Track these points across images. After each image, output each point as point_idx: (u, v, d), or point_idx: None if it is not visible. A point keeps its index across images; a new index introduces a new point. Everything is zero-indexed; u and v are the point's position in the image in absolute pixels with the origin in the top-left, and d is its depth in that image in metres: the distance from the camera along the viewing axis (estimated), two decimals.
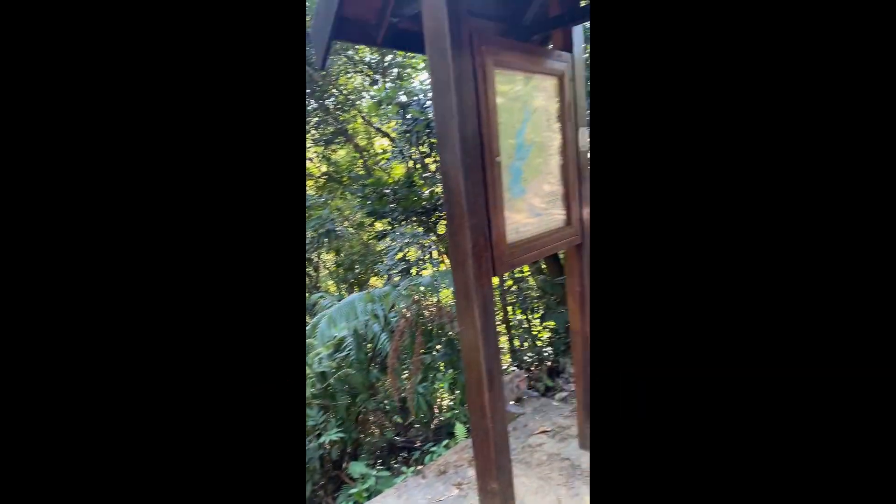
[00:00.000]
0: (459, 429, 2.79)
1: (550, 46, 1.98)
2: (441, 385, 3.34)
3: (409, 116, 3.50)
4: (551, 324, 4.04)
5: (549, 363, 3.88)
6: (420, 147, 3.87)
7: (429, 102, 3.49)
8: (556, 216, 1.89)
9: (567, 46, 1.89)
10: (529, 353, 4.04)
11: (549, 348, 4.18)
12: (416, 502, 2.11)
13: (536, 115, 1.74)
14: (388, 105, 4.15)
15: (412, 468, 2.74)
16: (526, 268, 5.18)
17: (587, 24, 1.99)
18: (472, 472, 2.11)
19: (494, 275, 1.53)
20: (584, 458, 2.22)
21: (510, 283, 4.27)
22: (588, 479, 2.09)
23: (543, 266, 4.52)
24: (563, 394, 3.12)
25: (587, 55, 2.22)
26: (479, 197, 1.45)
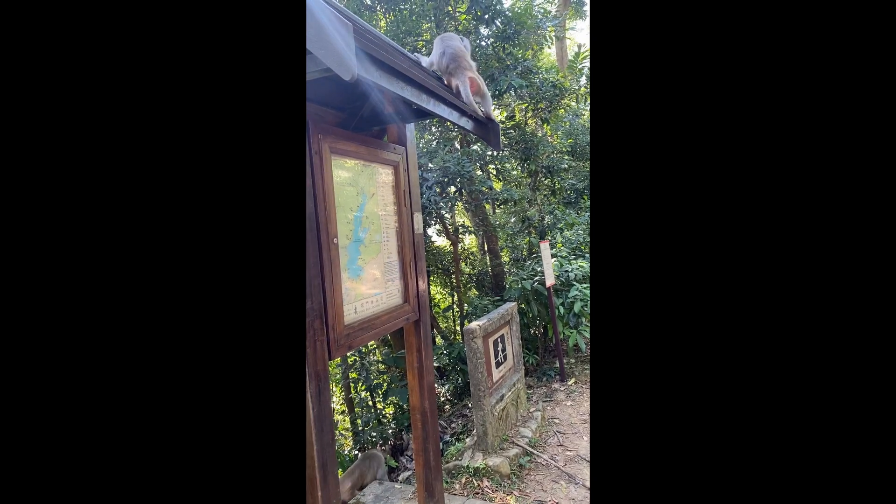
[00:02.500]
0: None
1: (386, 139, 2.16)
2: None
3: None
4: (394, 399, 3.99)
5: (391, 441, 3.77)
6: None
7: None
8: (394, 294, 1.96)
9: (401, 140, 2.09)
10: (373, 433, 3.88)
11: (392, 424, 4.08)
12: None
13: (373, 200, 1.84)
14: None
15: None
16: (371, 342, 5.11)
17: (413, 125, 2.24)
18: None
19: (331, 358, 1.48)
20: None
21: (353, 358, 4.15)
22: None
23: (389, 339, 4.53)
24: (407, 473, 3.04)
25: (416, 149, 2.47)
26: (316, 278, 1.43)
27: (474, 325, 2.93)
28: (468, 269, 7.12)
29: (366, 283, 1.76)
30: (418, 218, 2.10)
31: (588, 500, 2.48)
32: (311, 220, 1.42)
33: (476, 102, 1.88)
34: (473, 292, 6.44)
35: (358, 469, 3.01)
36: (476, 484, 2.66)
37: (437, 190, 3.91)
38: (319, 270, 1.45)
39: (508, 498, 2.53)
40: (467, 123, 1.88)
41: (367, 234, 1.78)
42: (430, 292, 6.73)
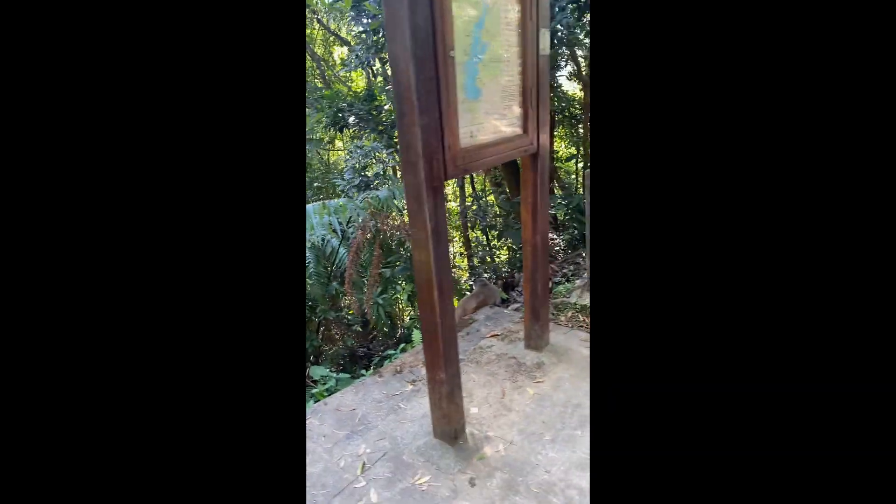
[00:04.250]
0: (416, 335, 2.94)
1: None
2: (401, 296, 3.46)
3: (365, 13, 3.21)
4: (508, 242, 4.17)
5: (503, 278, 4.06)
6: (382, 53, 3.62)
7: None
8: (513, 122, 1.87)
9: None
10: (487, 271, 4.21)
11: (506, 266, 4.35)
12: (372, 397, 2.27)
13: (494, 12, 1.65)
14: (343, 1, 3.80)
15: (371, 371, 2.91)
16: (488, 185, 5.18)
17: None
18: (424, 371, 2.27)
19: (446, 178, 1.53)
20: (528, 357, 2.42)
21: (470, 200, 4.30)
22: (530, 374, 2.30)
23: (505, 184, 4.54)
24: (516, 305, 3.31)
25: None
26: (432, 94, 1.41)
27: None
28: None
29: (484, 107, 1.69)
30: (545, 35, 1.86)
31: None
32: (425, 30, 1.33)
33: None
34: None
35: (480, 294, 3.36)
36: (581, 318, 2.80)
37: (574, 14, 3.29)
38: (435, 86, 1.41)
39: None
40: None
41: (486, 51, 1.65)
42: (552, 136, 6.34)
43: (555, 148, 6.70)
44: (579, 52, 4.73)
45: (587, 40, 3.73)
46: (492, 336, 2.71)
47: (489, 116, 1.73)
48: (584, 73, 5.21)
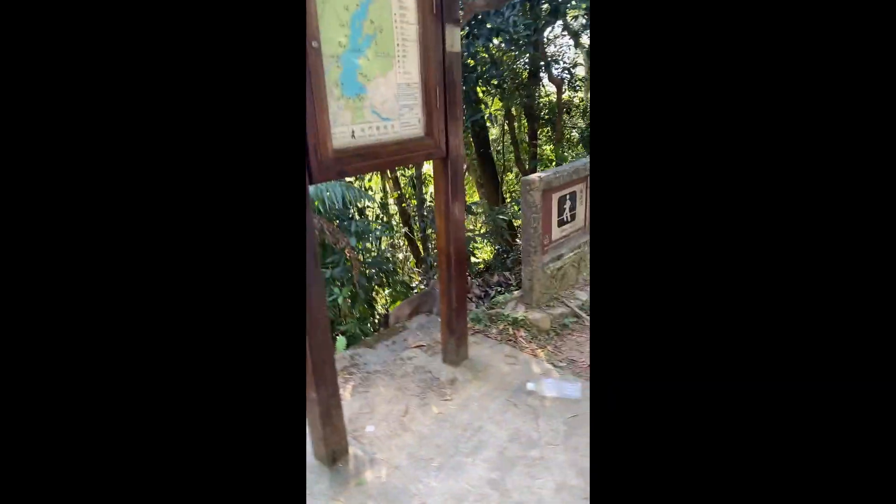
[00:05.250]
0: (340, 341, 2.81)
1: None
2: (339, 299, 3.33)
3: None
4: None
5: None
6: None
7: None
8: (411, 124, 1.74)
9: None
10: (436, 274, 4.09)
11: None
12: None
13: (381, 2, 1.50)
14: None
15: None
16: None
17: None
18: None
19: (311, 182, 1.40)
20: (444, 372, 2.29)
21: (414, 202, 4.18)
22: (440, 391, 2.17)
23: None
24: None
25: None
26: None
27: (534, 176, 2.61)
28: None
29: (370, 105, 1.56)
30: (453, 32, 1.72)
31: None
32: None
33: None
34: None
35: (416, 301, 3.23)
36: (512, 333, 2.67)
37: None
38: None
39: (539, 351, 2.52)
40: None
41: (371, 43, 1.51)
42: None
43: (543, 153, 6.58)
44: (558, 52, 4.59)
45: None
46: (416, 346, 2.59)
47: (378, 116, 1.59)
48: (556, 73, 5.07)
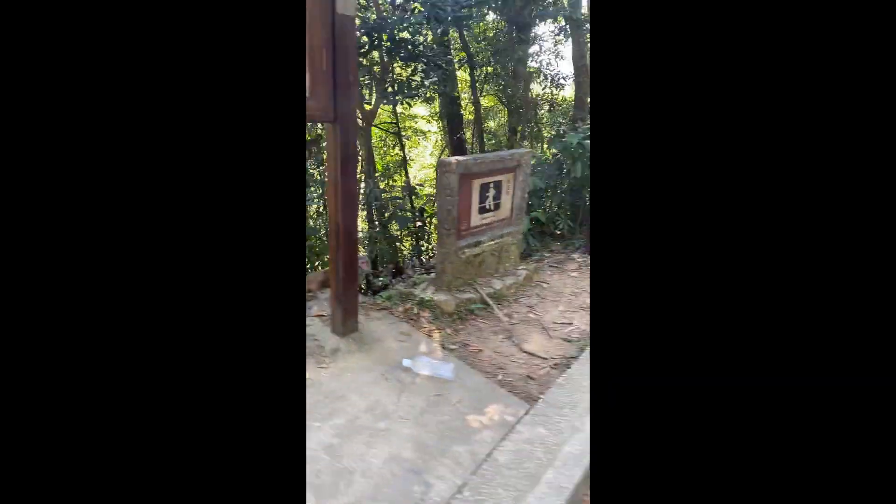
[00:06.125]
0: None
1: None
2: None
3: None
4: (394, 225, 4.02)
5: (393, 263, 3.93)
6: None
7: None
8: None
9: None
10: (374, 252, 4.07)
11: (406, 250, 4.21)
12: None
13: None
14: None
15: None
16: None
17: None
18: None
19: None
20: (331, 342, 2.30)
21: (362, 177, 4.15)
22: (318, 359, 2.17)
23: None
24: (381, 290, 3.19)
25: None
26: None
27: (451, 159, 2.60)
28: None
29: None
30: None
31: (517, 362, 2.38)
32: None
33: None
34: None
35: (324, 273, 3.22)
36: (416, 312, 2.68)
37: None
38: None
39: (436, 332, 2.53)
40: None
41: None
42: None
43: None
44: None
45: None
46: (316, 315, 2.58)
47: None
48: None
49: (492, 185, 2.88)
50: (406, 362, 2.12)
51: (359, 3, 3.44)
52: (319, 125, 3.74)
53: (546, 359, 2.38)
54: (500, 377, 2.21)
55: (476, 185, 2.77)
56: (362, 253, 3.78)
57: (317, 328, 2.44)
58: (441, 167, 2.57)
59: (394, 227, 4.12)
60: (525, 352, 2.45)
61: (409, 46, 3.37)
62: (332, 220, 2.08)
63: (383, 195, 4.38)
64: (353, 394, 1.95)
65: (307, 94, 1.75)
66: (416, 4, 3.34)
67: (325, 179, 2.10)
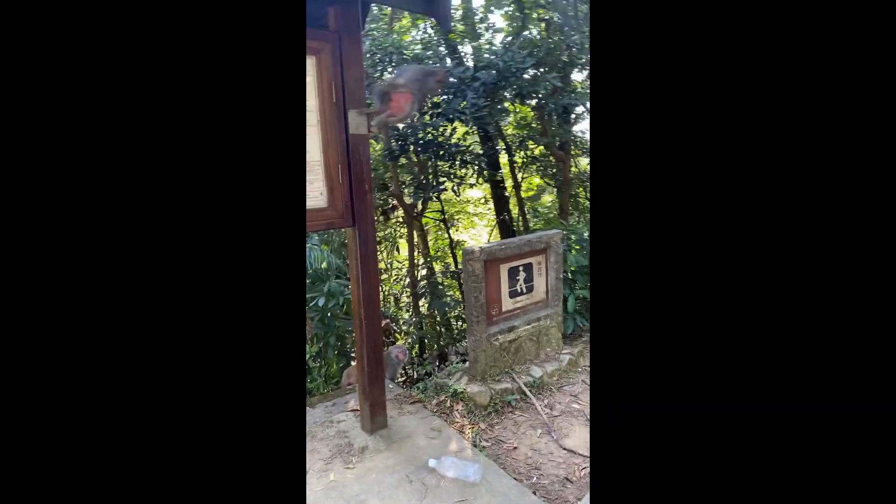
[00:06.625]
0: None
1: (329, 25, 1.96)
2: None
3: None
4: (436, 311, 4.03)
5: (437, 349, 3.90)
6: None
7: None
8: (314, 196, 1.90)
9: (341, 26, 1.87)
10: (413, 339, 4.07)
11: (446, 336, 4.18)
12: None
13: None
14: None
15: None
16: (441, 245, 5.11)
17: (371, 7, 1.95)
18: None
19: None
20: (359, 439, 2.26)
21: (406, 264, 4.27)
22: (346, 458, 2.13)
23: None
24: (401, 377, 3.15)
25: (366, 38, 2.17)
26: None
27: (475, 246, 2.65)
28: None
29: None
30: (354, 116, 1.92)
31: (555, 461, 2.18)
32: None
33: None
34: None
35: None
36: (449, 405, 2.59)
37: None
38: None
39: (469, 427, 2.41)
40: None
41: None
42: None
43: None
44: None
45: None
46: (352, 410, 2.58)
47: None
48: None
49: (521, 269, 2.86)
50: (432, 462, 2.02)
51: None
52: None
53: (588, 457, 2.15)
54: (534, 479, 2.02)
55: (504, 269, 2.78)
56: (401, 342, 3.80)
57: (349, 424, 2.43)
58: (466, 255, 2.63)
59: (437, 312, 4.15)
60: (565, 449, 2.24)
61: (434, 146, 3.64)
62: (357, 316, 2.16)
63: (432, 279, 4.49)
64: (373, 498, 1.87)
65: (326, 205, 1.93)
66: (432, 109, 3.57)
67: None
